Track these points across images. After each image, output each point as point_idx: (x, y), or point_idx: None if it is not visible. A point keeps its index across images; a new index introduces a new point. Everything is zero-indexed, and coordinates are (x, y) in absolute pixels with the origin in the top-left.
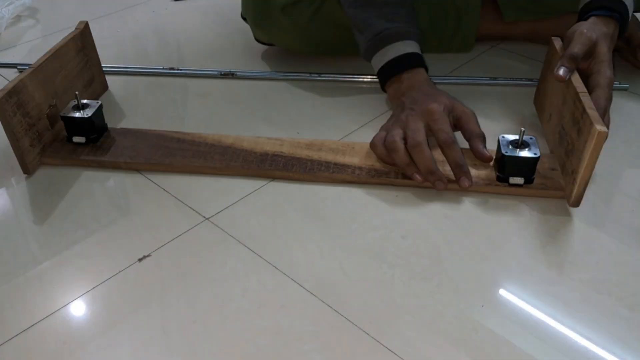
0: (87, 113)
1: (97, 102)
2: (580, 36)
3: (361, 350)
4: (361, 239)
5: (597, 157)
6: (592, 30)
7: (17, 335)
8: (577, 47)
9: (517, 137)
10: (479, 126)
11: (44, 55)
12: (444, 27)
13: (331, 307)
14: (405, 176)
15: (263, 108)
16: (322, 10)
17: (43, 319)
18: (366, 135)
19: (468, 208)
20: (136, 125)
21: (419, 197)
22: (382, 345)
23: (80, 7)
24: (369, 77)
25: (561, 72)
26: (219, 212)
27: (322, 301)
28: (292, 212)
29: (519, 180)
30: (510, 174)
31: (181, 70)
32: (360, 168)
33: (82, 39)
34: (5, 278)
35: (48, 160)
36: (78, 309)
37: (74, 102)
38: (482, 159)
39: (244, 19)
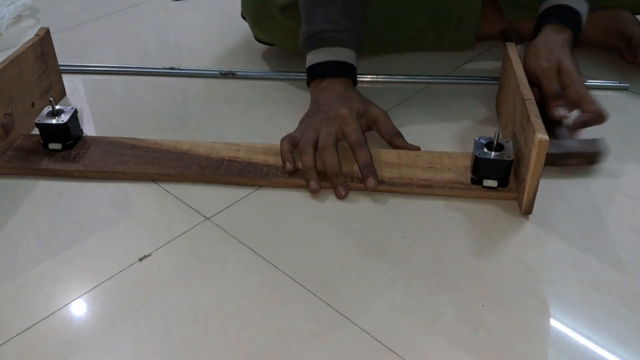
0: (63, 119)
1: (72, 108)
2: (548, 71)
3: (361, 350)
4: (361, 239)
5: (542, 165)
6: (550, 51)
7: (18, 334)
8: (552, 85)
9: (492, 139)
10: (394, 125)
11: (1, 63)
12: (445, 25)
13: (331, 307)
14: (354, 180)
15: (263, 108)
16: None
17: (44, 318)
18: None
19: (469, 208)
20: (127, 130)
21: (419, 198)
22: (383, 344)
23: (80, 7)
24: (369, 76)
25: (561, 112)
26: (219, 212)
27: (323, 300)
28: (293, 212)
29: (493, 182)
30: (484, 177)
31: (182, 70)
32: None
33: (42, 45)
34: (6, 278)
35: (3, 170)
36: (79, 308)
37: (48, 109)
38: (412, 149)
39: (244, 18)
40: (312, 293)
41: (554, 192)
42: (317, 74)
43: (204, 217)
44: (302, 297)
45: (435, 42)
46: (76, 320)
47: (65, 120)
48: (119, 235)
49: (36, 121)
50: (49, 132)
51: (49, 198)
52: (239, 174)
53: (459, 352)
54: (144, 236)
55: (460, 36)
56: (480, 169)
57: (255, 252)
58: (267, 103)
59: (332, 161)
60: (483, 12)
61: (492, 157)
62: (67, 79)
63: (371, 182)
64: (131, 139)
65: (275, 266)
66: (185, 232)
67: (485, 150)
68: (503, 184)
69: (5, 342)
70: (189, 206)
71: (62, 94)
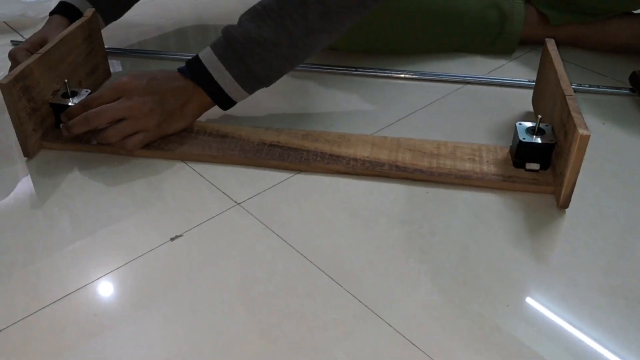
0: (76, 101)
1: (87, 91)
2: None
3: (383, 342)
4: (389, 233)
5: (581, 160)
6: None
7: (50, 304)
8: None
9: (534, 124)
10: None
11: (52, 42)
12: (487, 30)
13: (356, 298)
14: (399, 168)
15: (298, 99)
16: None
17: (76, 290)
18: (400, 131)
19: (499, 208)
20: None
21: (449, 195)
22: (405, 337)
23: None
24: (405, 72)
25: None
26: (250, 198)
27: (347, 291)
28: (322, 203)
29: (535, 165)
30: (528, 160)
31: None
32: (355, 159)
33: (90, 27)
34: (42, 251)
35: (49, 145)
36: (110, 283)
37: (63, 90)
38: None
39: None
40: (337, 283)
41: (587, 197)
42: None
43: (235, 202)
44: (328, 287)
45: (478, 46)
46: (106, 295)
47: (76, 103)
48: (152, 215)
49: (50, 101)
50: (61, 112)
51: (86, 176)
52: (279, 158)
53: (480, 350)
54: (176, 217)
55: (502, 41)
56: (524, 153)
57: (283, 239)
58: (302, 95)
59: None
60: (526, 16)
61: (535, 141)
62: (110, 61)
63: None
64: None
65: (302, 254)
66: (216, 215)
67: (527, 134)
68: (545, 166)
69: (38, 310)
70: (221, 191)
71: (107, 74)
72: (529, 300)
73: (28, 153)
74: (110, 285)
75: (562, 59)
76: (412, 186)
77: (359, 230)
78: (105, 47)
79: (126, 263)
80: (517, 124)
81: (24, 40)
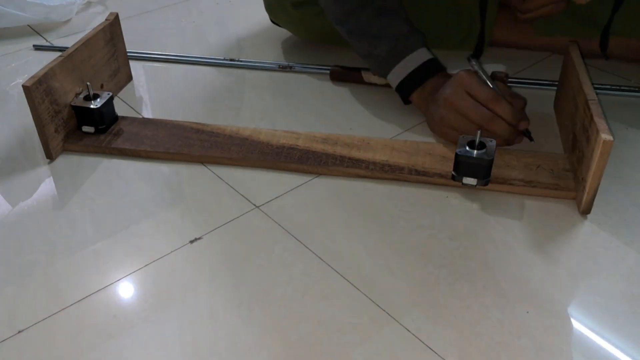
0: (98, 103)
1: (108, 93)
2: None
3: (401, 346)
4: (408, 238)
5: (604, 166)
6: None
7: (71, 305)
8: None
9: (475, 138)
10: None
11: (74, 44)
12: (456, 30)
13: (373, 302)
14: (418, 172)
15: (318, 102)
16: None
17: (96, 291)
18: (418, 135)
19: (519, 213)
20: (184, 116)
21: (469, 200)
22: (422, 342)
23: None
24: None
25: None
26: (268, 202)
27: (365, 295)
28: (340, 207)
29: (472, 180)
30: (464, 174)
31: (241, 61)
32: (374, 163)
33: (112, 30)
34: (64, 252)
35: (71, 147)
36: (129, 284)
37: (85, 92)
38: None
39: None
40: (355, 287)
41: (609, 203)
42: (415, 84)
43: (254, 205)
44: (345, 290)
45: (446, 44)
46: (126, 296)
47: (99, 105)
48: (172, 217)
49: (72, 103)
50: (83, 115)
51: (107, 178)
52: (298, 161)
53: (499, 356)
54: (196, 220)
55: (471, 41)
56: (461, 167)
57: (301, 243)
58: (322, 98)
59: (507, 106)
60: (498, 19)
61: (474, 155)
62: (131, 65)
63: (525, 124)
64: (195, 123)
65: (320, 258)
66: (235, 218)
67: (467, 148)
68: (483, 183)
69: (58, 312)
70: (241, 194)
71: (129, 77)
72: (549, 306)
73: (50, 155)
74: (130, 287)
75: (592, 66)
76: (431, 190)
77: (377, 234)
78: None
79: (146, 265)
80: (460, 136)
81: (48, 43)
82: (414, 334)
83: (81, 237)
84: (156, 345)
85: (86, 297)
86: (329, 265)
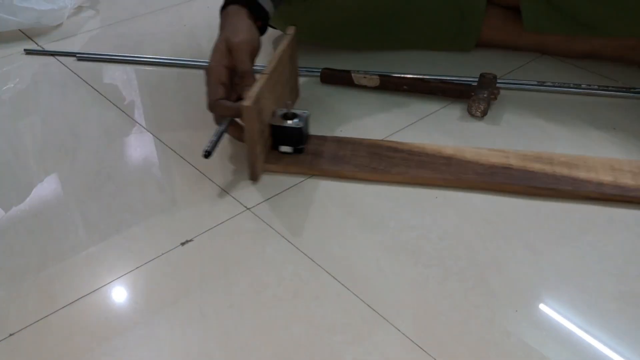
0: (299, 123)
1: (304, 112)
2: None
3: (391, 346)
4: (398, 238)
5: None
6: None
7: (62, 307)
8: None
9: (287, 110)
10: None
11: (272, 60)
12: (446, 28)
13: (364, 302)
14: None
15: (308, 105)
16: (315, 5)
17: (87, 294)
18: (411, 136)
19: (509, 213)
20: (180, 122)
21: (458, 200)
22: (412, 341)
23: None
24: (412, 76)
25: None
26: (259, 203)
27: (356, 295)
28: (331, 208)
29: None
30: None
31: None
32: (601, 184)
33: (292, 45)
34: (55, 255)
35: (271, 167)
36: (121, 287)
37: (281, 111)
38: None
39: None
40: (345, 287)
41: None
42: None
43: (245, 207)
44: (336, 290)
45: (436, 43)
46: (118, 299)
47: (300, 125)
48: (163, 220)
49: (271, 122)
50: (283, 135)
51: (98, 180)
52: (519, 182)
53: (489, 355)
54: (186, 222)
55: (461, 39)
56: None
57: (292, 244)
58: (312, 100)
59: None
60: (487, 18)
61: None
62: (121, 70)
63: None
64: (389, 141)
65: (311, 258)
66: (226, 220)
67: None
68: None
69: (50, 314)
70: (232, 196)
71: (297, 95)
72: (538, 305)
73: (255, 177)
74: (121, 290)
75: (577, 66)
76: (420, 190)
77: (368, 234)
78: (116, 56)
79: (137, 267)
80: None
81: (39, 47)
82: (404, 334)
83: (72, 240)
84: (148, 347)
85: (77, 299)
86: (319, 266)
